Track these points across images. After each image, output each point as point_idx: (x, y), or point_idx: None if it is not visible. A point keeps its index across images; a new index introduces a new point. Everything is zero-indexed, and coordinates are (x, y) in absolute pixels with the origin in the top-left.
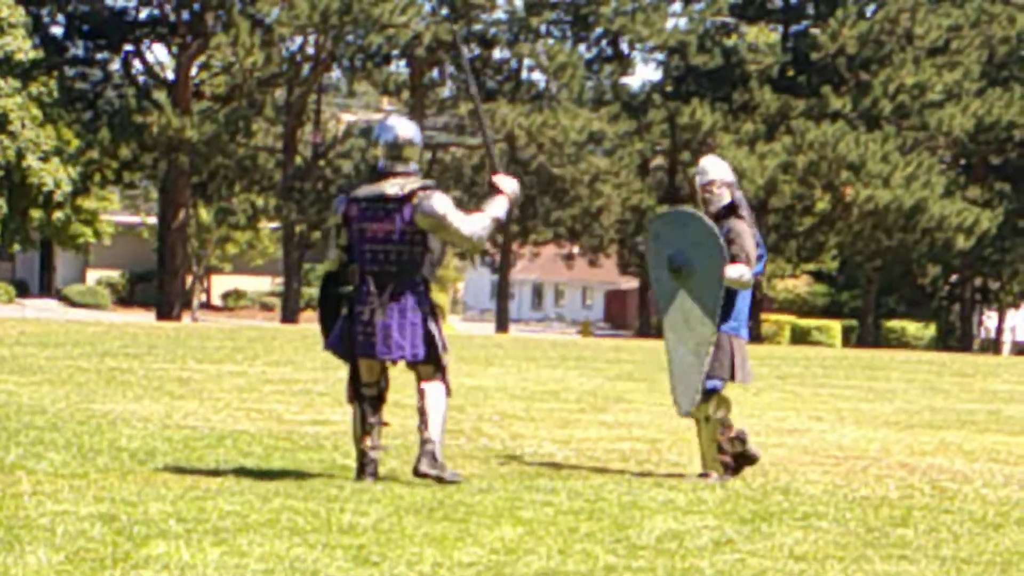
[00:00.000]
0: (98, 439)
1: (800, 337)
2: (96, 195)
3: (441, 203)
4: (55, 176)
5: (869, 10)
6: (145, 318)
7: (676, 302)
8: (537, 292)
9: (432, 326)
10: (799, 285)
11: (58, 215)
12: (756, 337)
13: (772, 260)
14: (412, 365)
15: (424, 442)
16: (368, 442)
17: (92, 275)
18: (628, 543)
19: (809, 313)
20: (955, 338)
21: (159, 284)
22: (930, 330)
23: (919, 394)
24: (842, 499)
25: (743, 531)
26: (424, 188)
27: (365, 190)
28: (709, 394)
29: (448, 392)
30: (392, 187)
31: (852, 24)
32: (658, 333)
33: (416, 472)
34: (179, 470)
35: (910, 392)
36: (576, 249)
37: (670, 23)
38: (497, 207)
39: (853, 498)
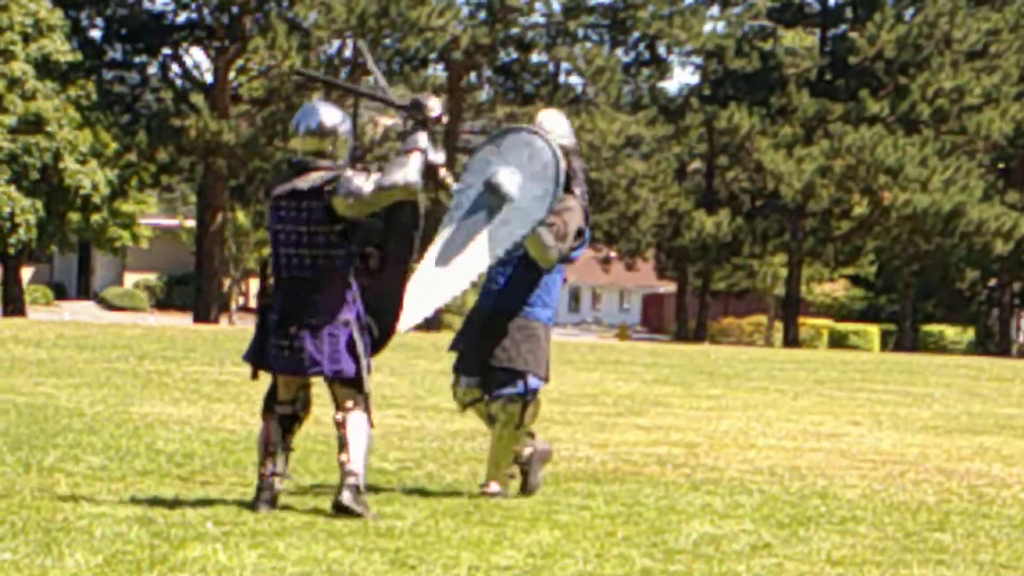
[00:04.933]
0: (136, 442)
1: (838, 341)
2: (134, 198)
3: (359, 177)
4: (93, 179)
5: (907, 14)
6: (183, 321)
7: (469, 220)
8: (574, 296)
9: (358, 341)
10: (837, 289)
11: (96, 218)
12: (794, 341)
13: (810, 264)
14: (330, 384)
15: (346, 474)
16: (268, 467)
17: (130, 278)
18: (665, 547)
19: (847, 317)
20: (993, 342)
21: (197, 287)
22: (968, 334)
23: (957, 398)
24: (880, 504)
25: (780, 536)
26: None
27: (279, 187)
28: (525, 396)
29: (370, 423)
30: (305, 182)
31: (890, 28)
32: (695, 337)
33: (336, 505)
34: (217, 473)
35: (948, 396)
36: (613, 253)
37: (708, 27)
38: (414, 140)
39: (891, 503)
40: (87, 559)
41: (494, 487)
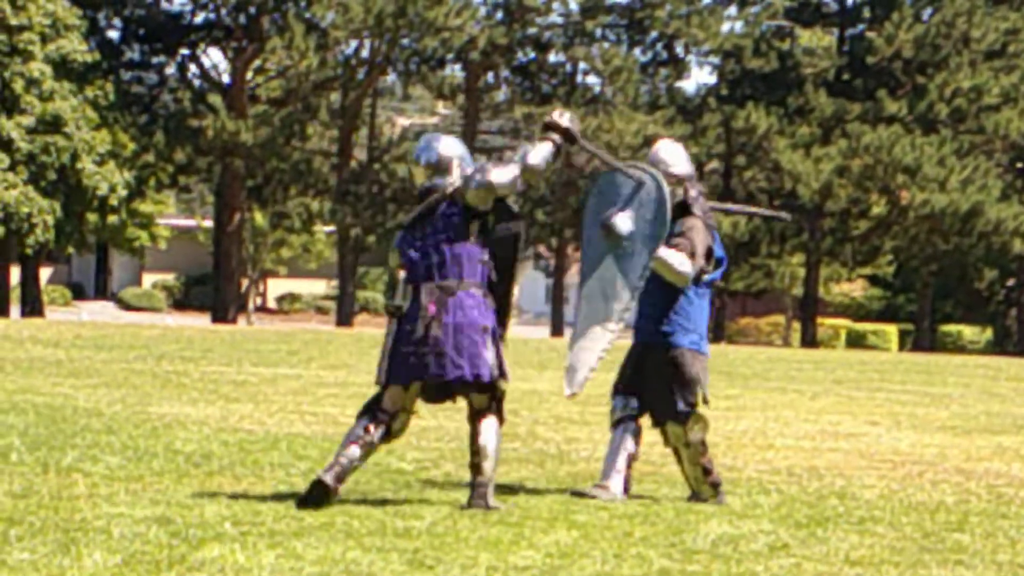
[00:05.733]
0: (154, 442)
1: (856, 341)
2: (152, 198)
3: (483, 171)
4: (110, 179)
5: (925, 13)
6: (200, 321)
7: (599, 269)
8: None
9: (494, 347)
10: (855, 289)
11: (113, 219)
12: (812, 341)
13: (828, 264)
14: (466, 389)
15: (477, 478)
16: (352, 450)
17: (148, 278)
18: (683, 547)
19: (865, 317)
20: (1012, 342)
21: (214, 287)
22: (987, 334)
23: (975, 398)
24: (898, 504)
25: (798, 536)
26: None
27: (412, 215)
28: (685, 417)
29: (501, 422)
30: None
31: (908, 27)
32: (713, 337)
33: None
34: (234, 473)
35: (966, 396)
36: None
37: (725, 27)
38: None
39: (909, 503)
40: (105, 559)
41: (708, 499)
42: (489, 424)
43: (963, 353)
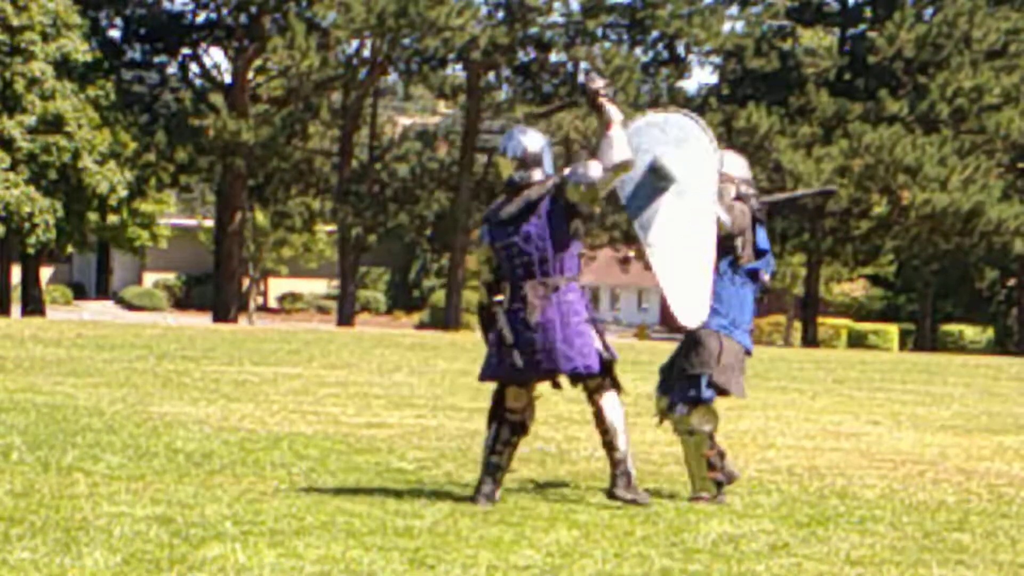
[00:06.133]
0: (155, 441)
1: (857, 341)
2: (153, 198)
3: (581, 167)
4: (111, 179)
5: (927, 13)
6: (201, 320)
7: (663, 209)
8: (593, 296)
9: (598, 334)
10: (856, 289)
11: (114, 218)
12: (812, 341)
13: (829, 264)
14: (579, 379)
15: (616, 463)
16: (493, 462)
17: (149, 278)
18: (684, 547)
19: (866, 317)
20: (1013, 342)
21: (215, 287)
22: (987, 334)
23: (976, 398)
24: (899, 503)
25: (799, 535)
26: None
27: (505, 208)
28: (696, 403)
29: (619, 391)
30: (533, 193)
31: (909, 27)
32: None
33: (610, 495)
34: (235, 473)
35: (967, 396)
36: (632, 253)
37: (727, 26)
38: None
39: (910, 502)
40: (106, 558)
41: (704, 496)
42: (610, 399)
43: (964, 353)
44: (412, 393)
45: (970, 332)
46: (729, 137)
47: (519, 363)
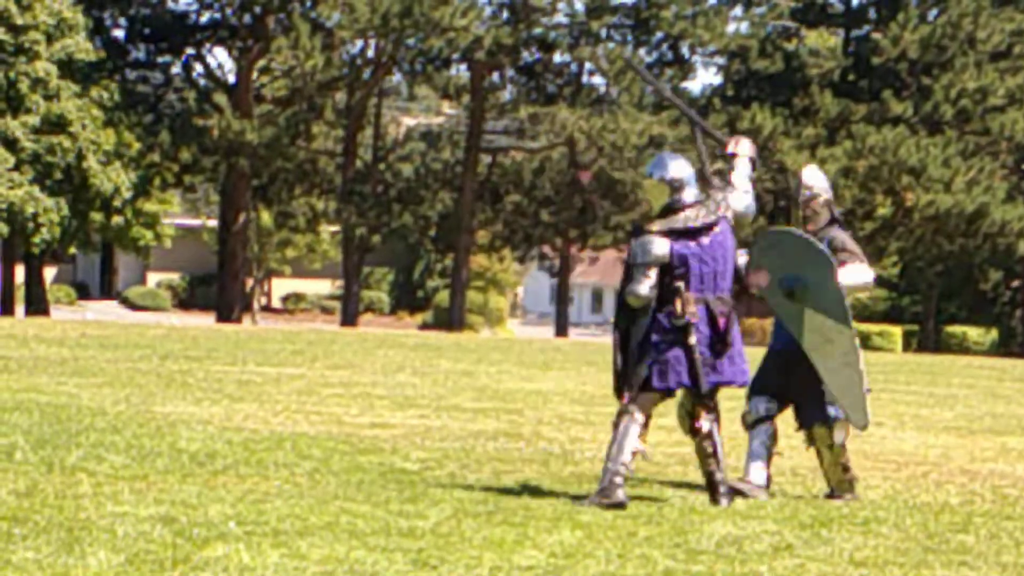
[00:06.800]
0: (158, 441)
1: (861, 342)
2: (157, 198)
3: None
4: (116, 179)
5: (931, 14)
6: (205, 321)
7: (806, 323)
8: (596, 296)
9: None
10: None
11: (118, 219)
12: None
13: None
14: (709, 395)
15: (717, 483)
16: (620, 460)
17: (152, 278)
18: (687, 548)
19: (869, 318)
20: (1017, 343)
21: (219, 287)
22: (991, 335)
23: (980, 400)
24: (902, 505)
25: (803, 536)
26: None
27: (677, 221)
28: (832, 422)
29: (719, 423)
30: (703, 214)
31: (914, 28)
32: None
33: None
34: (239, 473)
35: (971, 398)
36: None
37: (731, 27)
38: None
39: (913, 504)
40: (109, 558)
41: (846, 496)
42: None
43: (968, 354)
44: (415, 393)
45: (974, 334)
46: None
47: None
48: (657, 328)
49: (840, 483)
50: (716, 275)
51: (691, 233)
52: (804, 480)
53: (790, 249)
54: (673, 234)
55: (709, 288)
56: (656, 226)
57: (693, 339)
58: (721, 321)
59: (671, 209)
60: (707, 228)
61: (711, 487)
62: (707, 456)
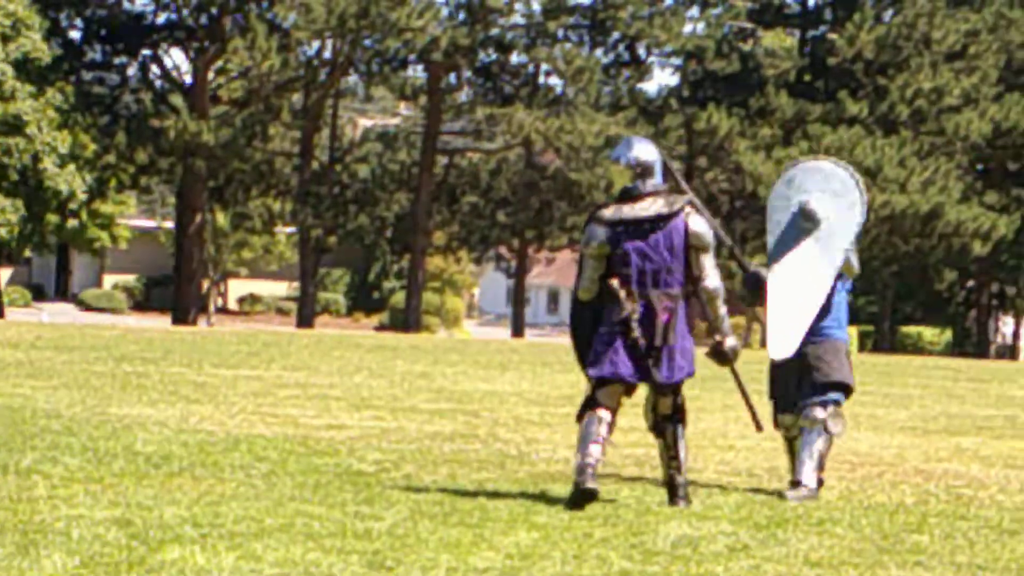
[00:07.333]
0: (114, 443)
1: None
2: (113, 199)
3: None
4: (71, 181)
5: (887, 15)
6: (161, 322)
7: (798, 249)
8: (553, 297)
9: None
10: None
11: (74, 220)
12: None
13: None
14: (669, 390)
15: (676, 484)
16: (591, 455)
17: (108, 279)
18: (643, 549)
19: None
20: (971, 344)
21: (175, 288)
22: (946, 336)
23: (935, 400)
24: (857, 505)
25: (758, 537)
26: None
27: (624, 210)
28: (833, 404)
29: (684, 424)
30: (658, 206)
31: (869, 29)
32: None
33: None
34: (194, 475)
35: (926, 398)
36: None
37: (687, 28)
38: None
39: (868, 504)
40: (64, 561)
41: (804, 491)
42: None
43: (923, 354)
44: (372, 395)
45: (929, 334)
46: (689, 139)
47: (639, 364)
48: (603, 319)
49: (811, 473)
50: (661, 271)
51: (639, 224)
52: (760, 481)
53: (836, 183)
54: (621, 224)
55: (651, 284)
56: (609, 211)
57: (636, 332)
58: (664, 316)
59: (629, 195)
60: (659, 220)
61: (670, 488)
62: (670, 458)
